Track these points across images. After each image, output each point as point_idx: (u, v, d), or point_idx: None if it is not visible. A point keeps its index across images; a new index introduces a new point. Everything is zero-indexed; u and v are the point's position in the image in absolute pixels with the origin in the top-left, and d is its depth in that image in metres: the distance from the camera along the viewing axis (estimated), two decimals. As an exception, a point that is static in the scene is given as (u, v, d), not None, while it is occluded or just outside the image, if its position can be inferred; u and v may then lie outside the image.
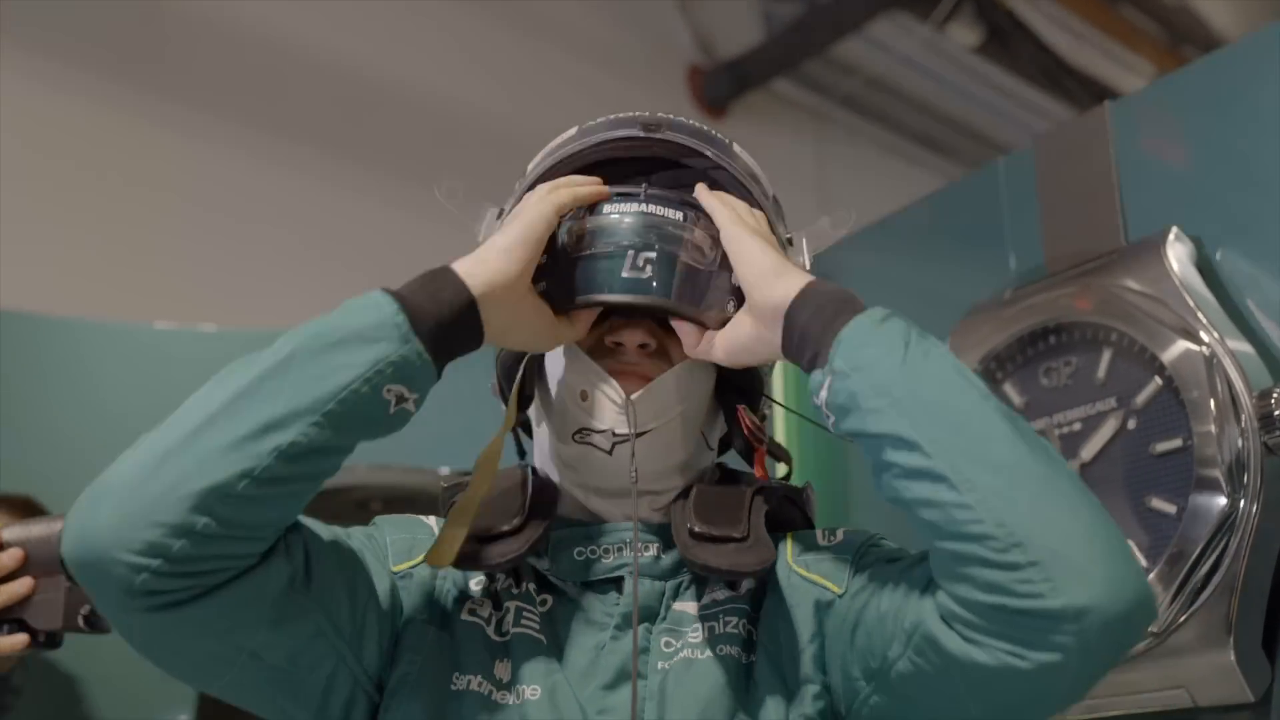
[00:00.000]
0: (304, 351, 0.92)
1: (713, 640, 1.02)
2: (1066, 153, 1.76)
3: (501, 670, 1.00)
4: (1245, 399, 1.44)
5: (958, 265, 1.98)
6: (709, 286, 1.04)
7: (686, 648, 1.01)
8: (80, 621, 1.31)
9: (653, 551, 1.06)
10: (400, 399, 0.94)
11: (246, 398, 0.91)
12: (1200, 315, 1.50)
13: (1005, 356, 1.71)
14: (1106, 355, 1.60)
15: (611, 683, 0.99)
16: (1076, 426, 1.61)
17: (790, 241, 1.14)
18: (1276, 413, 1.40)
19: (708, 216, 1.06)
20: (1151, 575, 1.46)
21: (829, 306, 0.96)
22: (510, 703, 0.98)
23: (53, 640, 1.34)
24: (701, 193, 1.07)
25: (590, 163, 1.11)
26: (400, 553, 1.06)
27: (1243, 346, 1.50)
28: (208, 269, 3.41)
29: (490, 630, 1.03)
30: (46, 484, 2.14)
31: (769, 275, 1.00)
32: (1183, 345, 1.49)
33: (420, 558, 1.05)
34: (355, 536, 1.05)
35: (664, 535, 1.06)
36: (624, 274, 1.02)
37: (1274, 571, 1.43)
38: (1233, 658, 1.39)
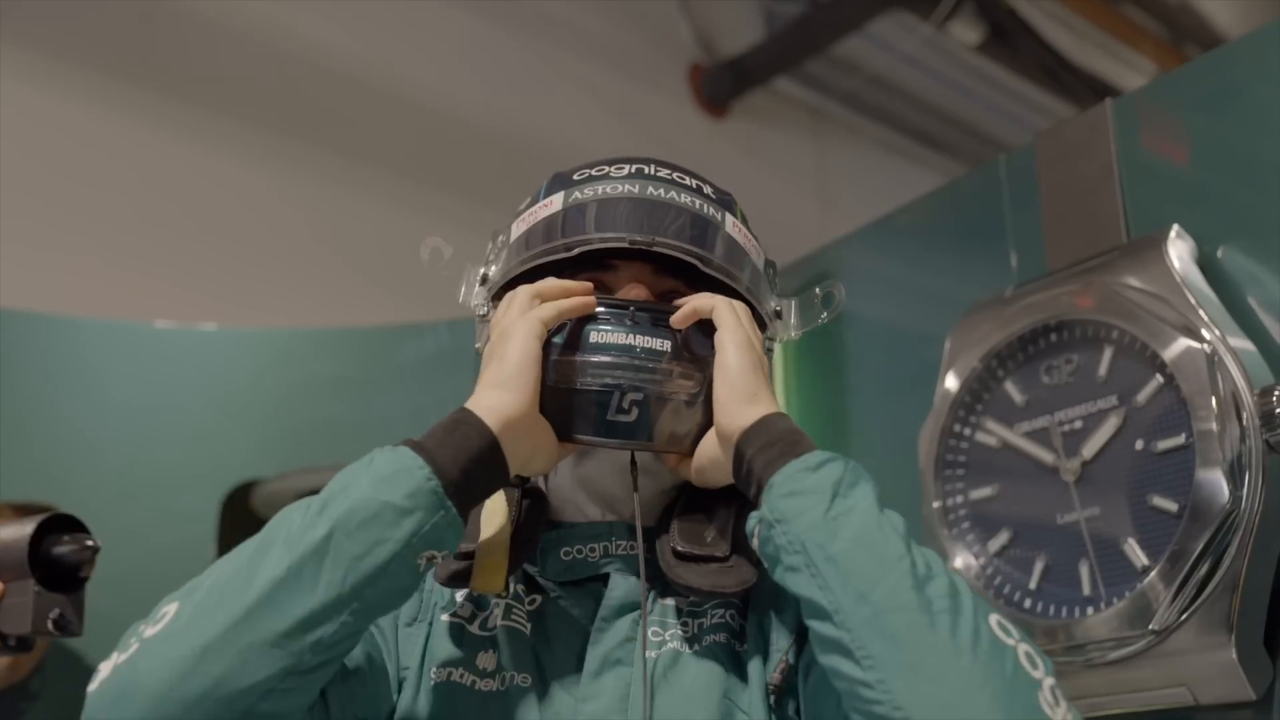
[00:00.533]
0: (340, 532, 0.91)
1: (700, 633, 1.04)
2: (1068, 151, 1.76)
3: (486, 661, 1.03)
4: (1247, 396, 1.44)
5: (959, 263, 1.98)
6: (693, 416, 1.05)
7: (675, 639, 1.03)
8: (50, 625, 1.31)
9: (635, 551, 1.07)
10: (430, 560, 0.95)
11: (286, 588, 0.89)
12: (1201, 313, 1.50)
13: (1006, 354, 1.71)
14: (1108, 353, 1.60)
15: (598, 670, 1.02)
16: (1078, 424, 1.61)
17: (779, 314, 1.16)
18: (1278, 410, 1.40)
19: (697, 332, 1.06)
20: (1153, 573, 1.46)
21: (775, 445, 0.98)
22: (494, 689, 1.01)
23: (24, 644, 1.33)
24: (700, 298, 1.07)
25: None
26: (410, 612, 1.09)
27: (1244, 344, 1.50)
28: (209, 268, 3.41)
29: (474, 627, 1.06)
30: (50, 482, 2.15)
31: (738, 400, 1.01)
32: (1184, 343, 1.49)
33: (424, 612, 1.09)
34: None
35: (652, 534, 1.08)
36: (609, 417, 1.03)
37: (1276, 569, 1.43)
38: (1234, 655, 1.39)
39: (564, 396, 1.04)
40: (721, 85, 4.74)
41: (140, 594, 1.69)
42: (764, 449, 0.98)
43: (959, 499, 1.72)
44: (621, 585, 1.06)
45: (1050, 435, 1.64)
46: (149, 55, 3.49)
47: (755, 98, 4.83)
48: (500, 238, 1.17)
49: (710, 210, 1.12)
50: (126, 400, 2.39)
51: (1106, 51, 4.85)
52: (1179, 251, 1.57)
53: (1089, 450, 1.59)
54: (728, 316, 1.05)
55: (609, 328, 1.05)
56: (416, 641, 1.06)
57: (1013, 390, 1.70)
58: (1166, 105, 1.71)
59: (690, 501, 1.08)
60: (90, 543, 1.29)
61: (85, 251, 3.20)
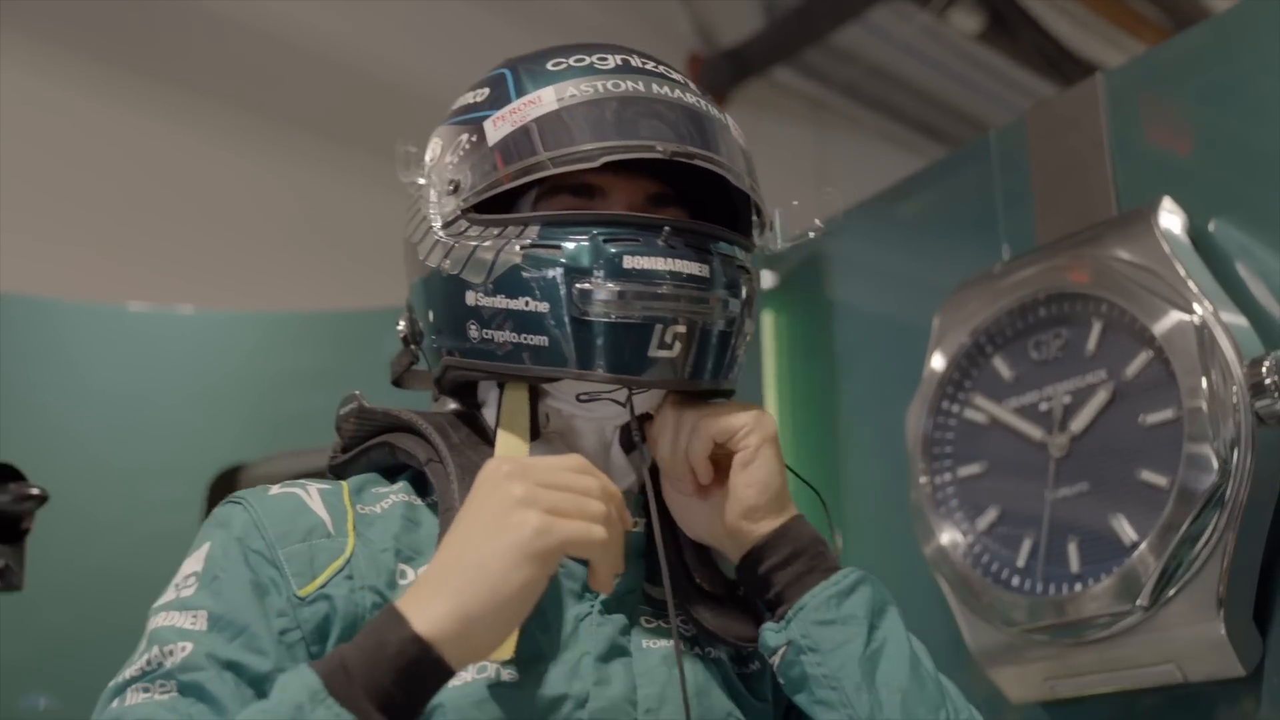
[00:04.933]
0: None
1: (699, 637, 1.02)
2: (1058, 125, 1.74)
3: None
4: (1237, 369, 1.41)
5: (950, 245, 1.95)
6: (738, 349, 1.02)
7: (664, 633, 0.99)
8: None
9: (640, 527, 1.04)
10: None
11: None
12: (1192, 285, 1.48)
13: (994, 330, 1.69)
14: (1097, 327, 1.57)
15: (605, 654, 0.97)
16: (1066, 399, 1.59)
17: (770, 224, 1.10)
18: (1268, 381, 1.38)
19: (731, 264, 1.00)
20: (1141, 548, 1.43)
21: (802, 558, 0.97)
22: (489, 678, 0.92)
23: None
24: (739, 416, 0.99)
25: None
26: (301, 571, 0.94)
27: (1235, 318, 1.47)
28: (186, 250, 3.37)
29: None
30: (26, 464, 2.13)
31: (768, 505, 0.98)
32: (1174, 316, 1.47)
33: (333, 567, 0.94)
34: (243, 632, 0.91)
35: (642, 506, 1.04)
36: (650, 353, 0.95)
37: (1265, 543, 1.41)
38: (1223, 631, 1.37)
39: (591, 329, 0.95)
40: (720, 75, 4.71)
41: (126, 584, 1.68)
42: (790, 560, 0.97)
43: (947, 476, 1.70)
44: (631, 572, 1.00)
45: (1037, 411, 1.62)
46: (130, 36, 3.46)
47: (754, 87, 4.80)
48: (465, 135, 1.02)
49: (715, 111, 1.03)
50: (105, 383, 2.36)
51: (1107, 40, 4.82)
52: (1169, 224, 1.54)
53: (1077, 425, 1.56)
54: (770, 427, 1.00)
55: (643, 251, 0.95)
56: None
57: (1001, 366, 1.68)
58: (1157, 79, 1.68)
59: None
60: (33, 491, 1.27)
61: (61, 234, 3.17)
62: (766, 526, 0.98)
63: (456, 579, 0.84)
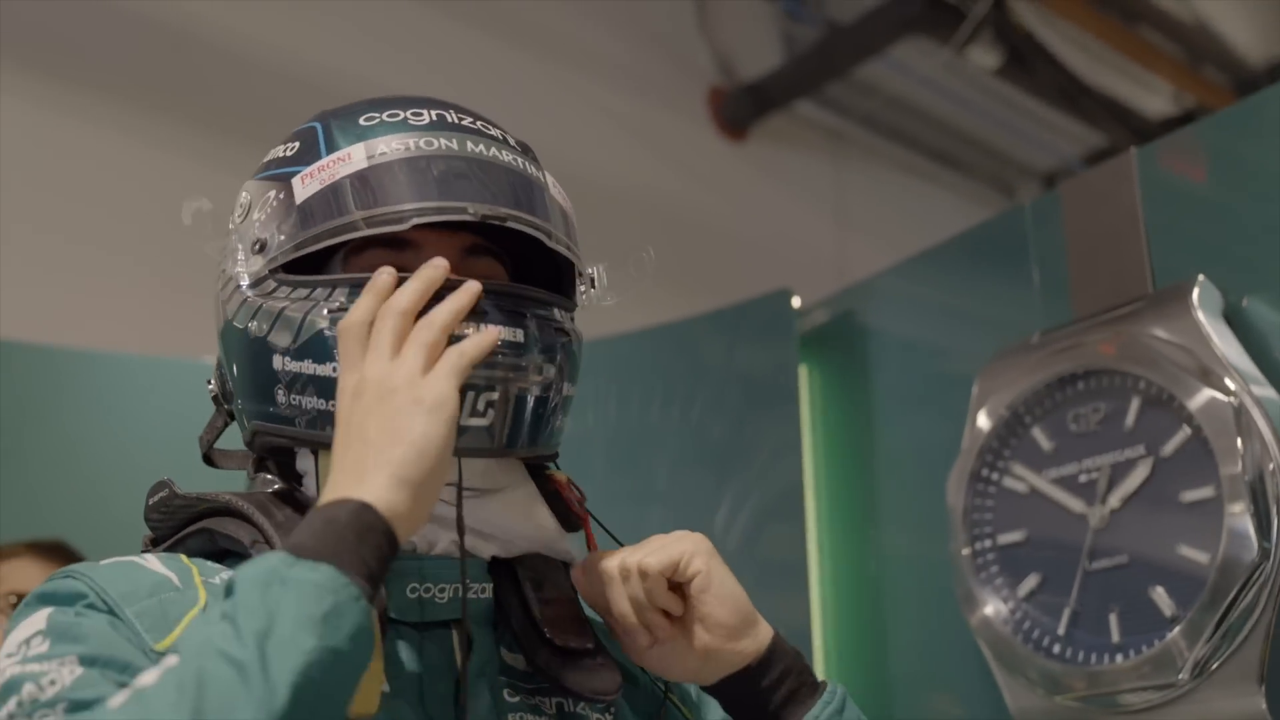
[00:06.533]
0: (302, 693, 0.75)
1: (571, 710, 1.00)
2: (1092, 199, 1.78)
3: None
4: (1274, 447, 1.46)
5: (985, 306, 2.00)
6: (555, 414, 1.00)
7: (532, 708, 0.98)
8: None
9: (487, 594, 1.01)
10: None
11: None
12: (1227, 363, 1.52)
13: (1033, 401, 1.73)
14: (1135, 402, 1.62)
15: None
16: (1106, 473, 1.63)
17: (593, 280, 1.08)
18: (1305, 462, 1.42)
19: (549, 327, 0.98)
20: (1182, 623, 1.48)
21: (791, 676, 1.02)
22: None
23: None
24: (668, 547, 1.00)
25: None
26: (154, 625, 0.89)
27: (1270, 394, 1.52)
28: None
29: None
30: (95, 522, 2.17)
31: (744, 623, 1.00)
32: (1209, 394, 1.51)
33: (190, 615, 0.90)
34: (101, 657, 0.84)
35: (487, 569, 1.02)
36: (463, 421, 0.92)
37: (1304, 620, 1.45)
38: (1264, 706, 1.41)
39: None
40: (741, 108, 4.77)
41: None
42: (784, 678, 1.01)
43: (987, 543, 1.74)
44: (483, 642, 0.98)
45: (1076, 483, 1.66)
46: (205, 95, 3.51)
47: (774, 121, 4.86)
48: (274, 193, 0.99)
49: (533, 170, 1.02)
50: (171, 438, 2.38)
51: (1123, 74, 4.87)
52: (1204, 301, 1.59)
53: (1116, 499, 1.61)
54: (705, 542, 1.01)
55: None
56: None
57: (1040, 437, 1.72)
58: (1191, 154, 1.73)
59: (532, 575, 1.02)
60: None
61: (129, 287, 3.23)
62: (751, 645, 1.01)
63: (376, 456, 0.83)
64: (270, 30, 3.68)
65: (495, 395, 0.94)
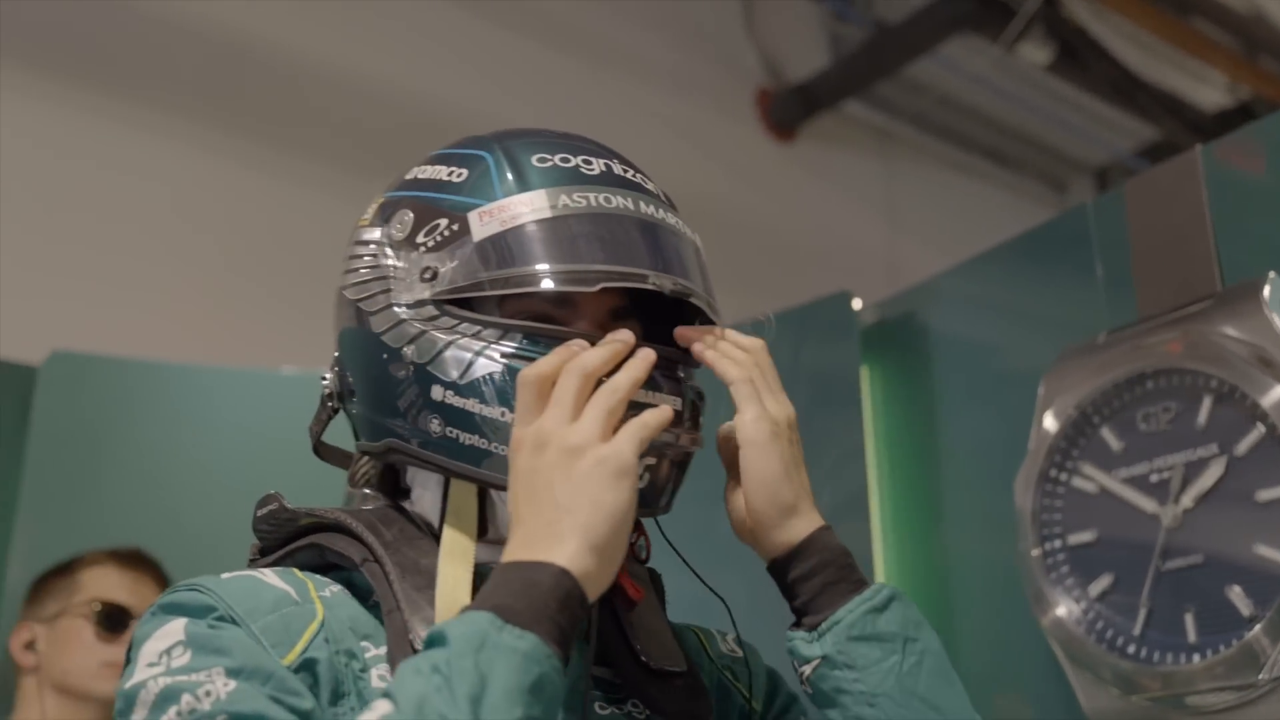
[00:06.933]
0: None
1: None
2: (1158, 198, 1.78)
3: None
4: (1349, 444, 1.45)
5: (1050, 307, 1.99)
6: (681, 474, 1.03)
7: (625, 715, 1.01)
8: None
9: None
10: None
11: None
12: (1302, 361, 1.51)
13: (1101, 401, 1.73)
14: (1207, 401, 1.61)
15: None
16: (1178, 472, 1.63)
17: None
18: (1383, 462, 1.41)
19: (695, 391, 1.01)
20: (1261, 623, 1.47)
21: (829, 568, 0.98)
22: None
23: None
24: (737, 382, 1.00)
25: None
26: (279, 640, 0.91)
27: (1344, 391, 1.51)
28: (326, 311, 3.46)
29: None
30: (179, 534, 2.21)
31: (779, 511, 0.98)
32: (1283, 391, 1.50)
33: (310, 629, 0.92)
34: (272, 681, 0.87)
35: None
36: None
37: (1384, 619, 1.44)
38: (1344, 705, 1.41)
39: None
40: (789, 109, 4.77)
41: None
42: (817, 571, 0.98)
43: (1057, 543, 1.74)
44: (575, 657, 0.97)
45: (1147, 482, 1.66)
46: (241, 101, 3.57)
47: (823, 121, 4.85)
48: (444, 221, 0.99)
49: (687, 231, 1.04)
50: (244, 449, 2.41)
51: (1178, 66, 4.81)
52: (1276, 300, 1.58)
53: (1189, 499, 1.60)
54: (753, 405, 0.99)
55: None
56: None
57: (1109, 436, 1.72)
58: (1256, 149, 1.72)
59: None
60: None
61: (207, 298, 3.28)
62: (783, 536, 0.99)
63: (566, 521, 0.86)
64: (326, 43, 3.72)
65: (652, 461, 0.97)
